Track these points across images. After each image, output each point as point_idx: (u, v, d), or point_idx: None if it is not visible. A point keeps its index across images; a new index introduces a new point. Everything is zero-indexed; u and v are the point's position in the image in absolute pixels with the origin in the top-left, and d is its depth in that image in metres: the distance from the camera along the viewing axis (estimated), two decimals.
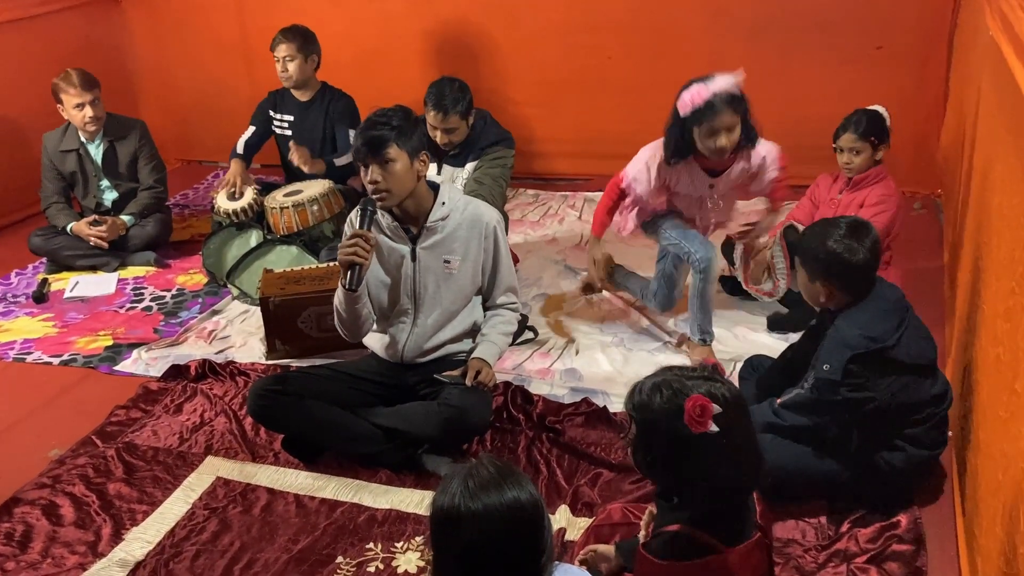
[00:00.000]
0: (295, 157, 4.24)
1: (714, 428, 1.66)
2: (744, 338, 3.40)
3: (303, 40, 4.40)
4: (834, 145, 3.47)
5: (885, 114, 3.45)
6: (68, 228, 4.30)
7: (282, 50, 4.36)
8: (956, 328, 2.93)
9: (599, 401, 3.03)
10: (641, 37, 4.87)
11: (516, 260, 4.11)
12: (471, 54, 5.18)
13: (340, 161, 4.39)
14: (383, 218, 2.81)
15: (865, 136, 3.36)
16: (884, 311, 2.37)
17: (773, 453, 2.28)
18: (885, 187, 3.38)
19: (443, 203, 2.82)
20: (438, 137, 3.71)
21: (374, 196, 2.72)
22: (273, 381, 2.87)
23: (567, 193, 5.03)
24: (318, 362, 3.37)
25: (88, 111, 4.20)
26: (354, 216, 2.84)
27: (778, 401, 2.47)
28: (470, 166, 3.85)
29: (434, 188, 2.85)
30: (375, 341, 2.99)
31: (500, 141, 3.89)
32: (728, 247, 3.72)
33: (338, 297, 2.78)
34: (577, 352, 3.39)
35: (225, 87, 5.66)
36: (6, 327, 3.88)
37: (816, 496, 2.49)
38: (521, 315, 3.53)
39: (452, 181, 3.84)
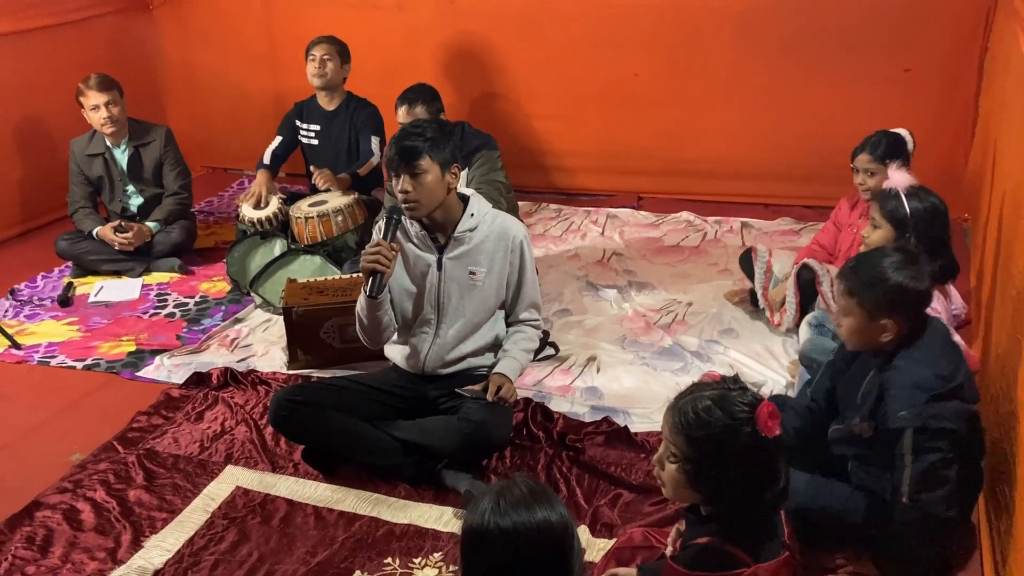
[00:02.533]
0: (319, 181, 4.29)
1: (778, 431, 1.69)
2: (767, 363, 3.37)
3: (341, 46, 4.49)
4: (851, 165, 3.44)
5: (908, 138, 3.41)
6: (94, 233, 4.34)
7: (322, 49, 4.43)
8: (989, 356, 2.88)
9: (620, 420, 3.01)
10: (666, 53, 4.87)
11: (536, 273, 4.10)
12: (495, 67, 5.19)
13: (363, 170, 4.43)
14: (411, 226, 2.83)
15: (880, 158, 3.33)
16: (944, 347, 2.24)
17: (813, 494, 2.26)
18: None
19: (472, 214, 2.84)
20: None
21: (404, 206, 2.74)
22: (295, 391, 2.88)
23: (590, 208, 5.03)
24: (339, 373, 3.38)
25: (103, 112, 4.24)
26: (381, 223, 2.86)
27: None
28: (460, 176, 3.85)
29: (463, 199, 2.87)
30: (396, 352, 2.99)
31: (482, 145, 3.92)
32: (748, 259, 3.70)
33: (360, 303, 2.79)
34: (598, 370, 3.38)
35: (252, 95, 5.71)
36: (32, 330, 3.92)
37: (848, 540, 2.37)
38: (544, 331, 3.53)
39: None
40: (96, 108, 4.24)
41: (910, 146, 3.42)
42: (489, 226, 2.87)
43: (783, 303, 3.44)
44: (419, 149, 2.67)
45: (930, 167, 4.48)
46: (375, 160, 4.46)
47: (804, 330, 3.17)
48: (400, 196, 2.72)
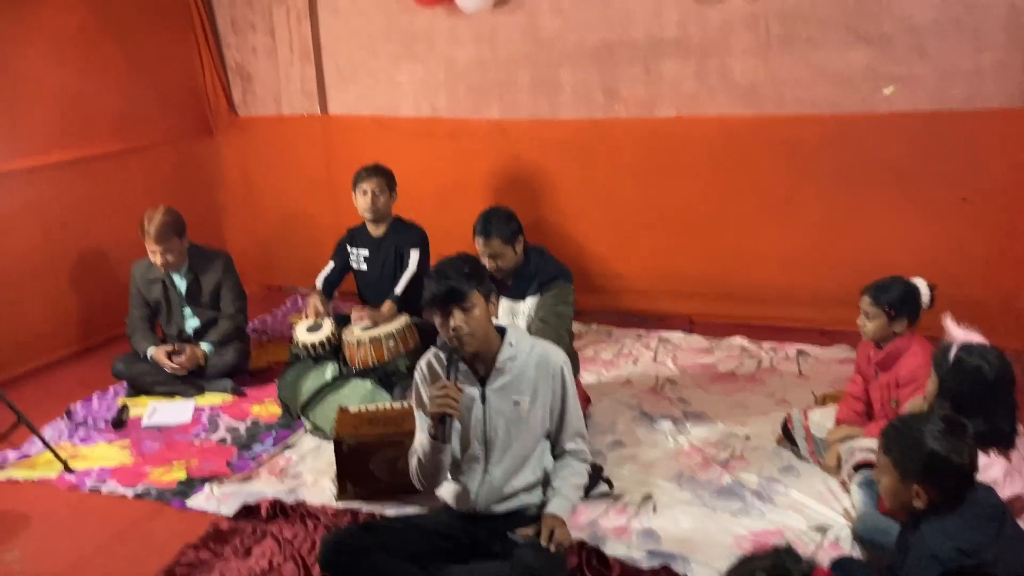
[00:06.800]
0: (354, 318, 4.32)
1: None
2: (831, 505, 3.24)
3: (388, 177, 4.58)
4: None
5: (925, 290, 3.27)
6: (148, 354, 4.40)
7: (371, 183, 4.51)
8: None
9: (679, 568, 2.89)
10: (718, 179, 4.91)
11: (588, 401, 4.05)
12: (546, 190, 5.27)
13: (400, 287, 4.47)
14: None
15: (879, 303, 3.25)
16: (978, 518, 2.16)
17: None
18: (912, 358, 3.20)
19: (511, 344, 2.82)
20: (487, 265, 3.76)
21: (455, 343, 2.73)
22: (345, 534, 2.82)
23: (641, 332, 4.99)
24: (388, 507, 3.33)
25: (159, 258, 4.36)
26: (424, 365, 2.86)
27: None
28: (531, 300, 3.87)
29: (500, 330, 2.86)
30: (447, 492, 2.93)
31: (559, 276, 3.91)
32: (787, 429, 3.61)
33: (422, 447, 2.75)
34: (655, 510, 3.27)
35: (309, 216, 5.86)
36: (85, 453, 3.93)
37: None
38: (596, 465, 3.45)
39: (512, 315, 3.85)
40: (153, 252, 4.36)
41: (924, 299, 3.27)
42: (528, 354, 2.85)
43: (840, 466, 3.31)
44: (466, 285, 2.69)
45: (989, 296, 4.43)
46: (412, 270, 4.48)
47: (855, 491, 3.06)
48: (451, 333, 2.72)
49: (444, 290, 2.71)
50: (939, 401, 2.71)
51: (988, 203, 4.38)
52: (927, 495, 2.18)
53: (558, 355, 2.91)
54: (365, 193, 4.52)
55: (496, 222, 3.84)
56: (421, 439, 2.76)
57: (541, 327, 3.72)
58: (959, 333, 2.76)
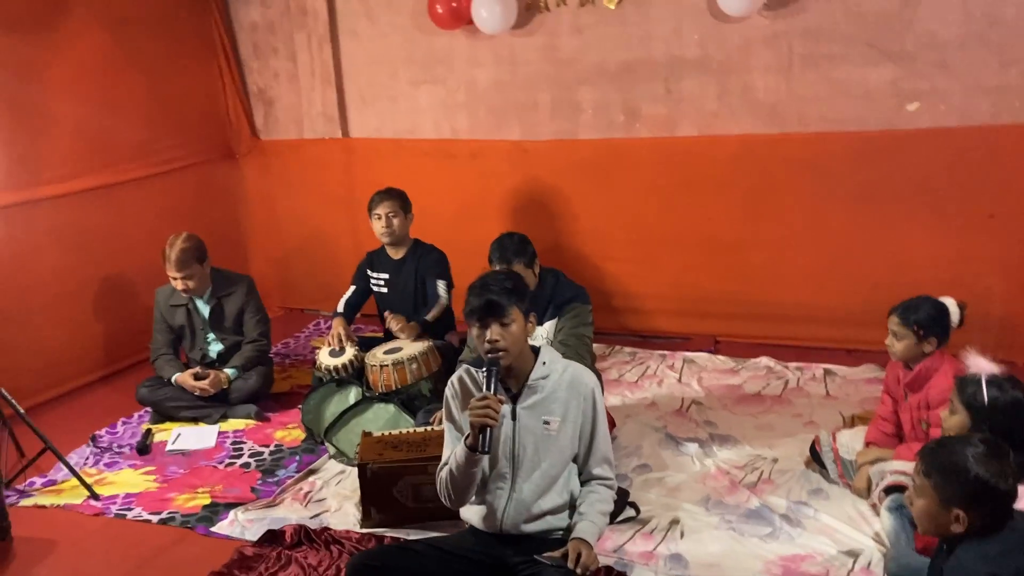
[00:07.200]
0: (392, 325, 4.36)
1: None
2: (861, 528, 3.18)
3: (402, 199, 4.58)
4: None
5: (954, 309, 3.22)
6: (173, 379, 4.42)
7: (386, 207, 4.52)
8: None
9: None
10: (740, 197, 4.87)
11: (613, 424, 4.01)
12: (566, 210, 5.26)
13: (431, 315, 4.47)
14: (480, 375, 2.80)
15: (907, 323, 3.20)
16: (1016, 544, 2.11)
17: None
18: (943, 379, 3.14)
19: (544, 363, 2.81)
20: None
21: (490, 356, 2.72)
22: (370, 556, 2.80)
23: (665, 352, 4.95)
24: (412, 533, 3.30)
25: (180, 284, 4.38)
26: (455, 381, 2.85)
27: None
28: (548, 324, 3.84)
29: (534, 349, 2.85)
30: (473, 513, 2.91)
31: (575, 297, 3.89)
32: (815, 452, 3.55)
33: (456, 459, 2.72)
34: (682, 535, 3.23)
35: (331, 238, 5.87)
36: (110, 479, 3.94)
37: None
38: (623, 490, 3.41)
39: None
40: (175, 279, 4.38)
41: (954, 318, 3.22)
42: (560, 375, 2.83)
43: (870, 488, 3.26)
44: (507, 299, 2.70)
45: (1018, 315, 4.36)
46: (443, 303, 4.50)
47: (885, 515, 3.01)
48: (487, 346, 2.71)
49: (484, 303, 2.71)
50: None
51: (1015, 219, 4.31)
52: (968, 519, 2.13)
53: (590, 378, 2.89)
54: (379, 217, 4.53)
55: (513, 248, 3.83)
56: (452, 453, 2.75)
57: (563, 351, 3.69)
58: (984, 366, 2.71)
